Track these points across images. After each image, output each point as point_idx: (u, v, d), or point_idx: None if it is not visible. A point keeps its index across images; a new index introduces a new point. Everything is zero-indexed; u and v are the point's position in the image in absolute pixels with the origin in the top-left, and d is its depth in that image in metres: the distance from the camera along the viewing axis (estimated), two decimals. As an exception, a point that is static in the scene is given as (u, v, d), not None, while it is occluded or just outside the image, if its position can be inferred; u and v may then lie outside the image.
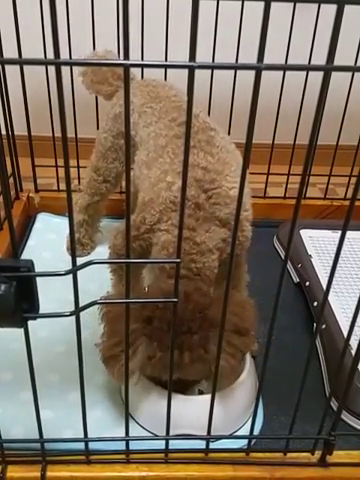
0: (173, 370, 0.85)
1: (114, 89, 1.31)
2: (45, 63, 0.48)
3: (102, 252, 1.46)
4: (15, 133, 1.50)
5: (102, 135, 1.30)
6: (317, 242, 1.47)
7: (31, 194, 1.61)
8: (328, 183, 1.65)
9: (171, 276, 0.89)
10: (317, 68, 0.54)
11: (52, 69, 0.48)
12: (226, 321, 0.70)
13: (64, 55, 0.47)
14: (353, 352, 0.79)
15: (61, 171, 1.57)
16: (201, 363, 0.87)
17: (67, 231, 1.46)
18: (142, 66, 0.50)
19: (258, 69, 0.51)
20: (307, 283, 1.32)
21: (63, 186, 1.75)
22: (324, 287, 1.25)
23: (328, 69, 0.54)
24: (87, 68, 1.30)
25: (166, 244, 0.94)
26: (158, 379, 0.94)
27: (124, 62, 0.47)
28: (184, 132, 1.03)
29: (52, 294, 1.17)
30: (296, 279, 1.38)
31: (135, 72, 1.33)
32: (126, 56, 0.47)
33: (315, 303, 1.24)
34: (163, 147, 1.05)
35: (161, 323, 0.85)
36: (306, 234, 1.49)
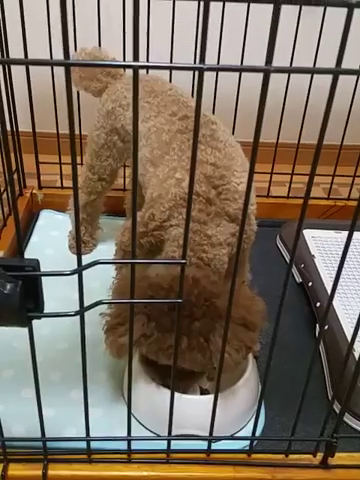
0: (170, 355, 0.83)
1: (103, 85, 1.29)
2: (54, 64, 0.47)
3: (104, 250, 1.46)
4: (19, 129, 1.50)
5: (94, 133, 1.28)
6: (320, 242, 1.47)
7: (34, 191, 1.61)
8: (332, 183, 1.65)
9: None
10: (326, 71, 0.54)
11: (58, 67, 0.47)
12: (234, 313, 0.69)
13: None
14: (356, 355, 0.79)
15: (65, 168, 1.56)
16: (200, 352, 0.84)
17: (70, 228, 1.47)
18: (151, 68, 0.50)
19: (267, 71, 0.51)
20: (310, 283, 1.32)
21: (66, 183, 1.76)
22: (327, 288, 1.27)
23: (337, 72, 0.53)
24: None
25: (177, 237, 0.95)
26: (160, 380, 0.93)
27: (133, 64, 0.47)
28: (186, 126, 1.04)
29: (54, 292, 1.16)
30: (299, 279, 1.38)
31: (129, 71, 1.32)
32: (136, 58, 0.46)
33: (318, 304, 1.24)
34: (168, 143, 1.04)
35: (162, 304, 0.84)
36: (309, 234, 1.49)
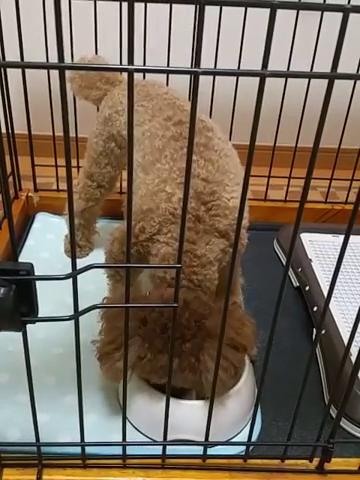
0: (162, 375, 0.86)
1: (103, 93, 1.28)
2: (48, 67, 0.47)
3: (101, 254, 1.45)
4: (15, 131, 1.50)
5: (93, 140, 1.28)
6: (317, 246, 1.46)
7: (30, 193, 1.61)
8: (329, 187, 1.65)
9: (171, 286, 0.89)
10: (321, 76, 0.54)
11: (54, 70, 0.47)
12: (220, 329, 0.70)
13: (66, 58, 0.46)
14: (353, 359, 0.79)
15: (61, 170, 1.56)
16: (191, 372, 0.86)
17: (66, 231, 1.46)
18: (146, 71, 0.50)
19: (262, 76, 0.51)
20: (307, 287, 1.31)
21: (62, 186, 1.75)
22: (324, 292, 1.26)
23: (332, 77, 0.53)
24: (75, 73, 1.28)
25: (167, 256, 0.95)
26: (156, 383, 0.93)
27: (128, 67, 0.46)
28: (181, 133, 1.03)
29: (49, 295, 1.15)
30: (296, 283, 1.37)
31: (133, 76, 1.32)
32: (130, 61, 0.46)
33: (315, 308, 1.24)
34: (160, 150, 1.03)
35: (155, 325, 0.86)
36: (306, 238, 1.49)
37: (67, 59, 0.46)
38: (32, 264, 0.60)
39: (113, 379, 0.93)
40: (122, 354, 0.75)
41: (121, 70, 0.47)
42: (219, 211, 0.95)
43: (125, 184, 1.58)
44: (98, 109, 1.46)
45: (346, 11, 0.50)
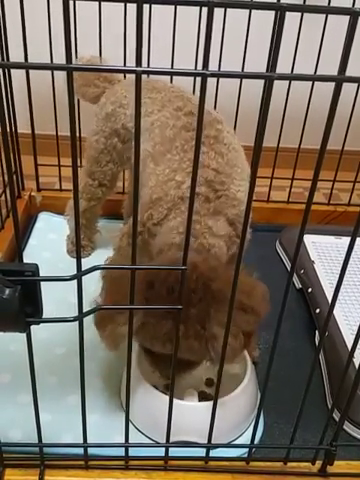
0: (165, 341, 0.81)
1: (101, 91, 1.28)
2: (56, 68, 0.47)
3: (103, 253, 1.45)
4: (18, 131, 1.50)
5: (93, 138, 1.27)
6: (320, 248, 1.46)
7: (33, 193, 1.61)
8: (332, 188, 1.65)
9: (181, 249, 0.85)
10: (329, 79, 0.54)
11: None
12: (230, 297, 0.68)
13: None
14: (357, 362, 0.79)
15: (63, 170, 1.56)
16: (197, 340, 0.81)
17: (68, 231, 1.46)
18: (154, 73, 0.49)
19: (270, 79, 0.51)
20: (309, 289, 1.31)
21: (65, 185, 1.74)
22: (327, 294, 1.26)
23: (340, 80, 0.53)
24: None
25: (175, 226, 0.93)
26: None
27: (136, 69, 0.46)
28: (192, 123, 1.03)
29: (52, 295, 1.14)
30: (298, 285, 1.37)
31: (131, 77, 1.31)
32: (138, 63, 0.46)
33: (317, 310, 1.24)
34: (171, 140, 1.03)
35: (161, 287, 0.81)
36: (309, 240, 1.48)
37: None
38: (37, 265, 0.60)
39: (112, 346, 0.88)
40: (126, 317, 0.69)
41: (129, 72, 0.47)
42: (228, 201, 0.96)
43: (126, 184, 1.58)
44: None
45: (354, 14, 0.50)
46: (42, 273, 0.60)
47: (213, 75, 0.48)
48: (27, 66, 0.67)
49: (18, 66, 0.58)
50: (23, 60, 1.38)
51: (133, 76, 0.47)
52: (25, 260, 0.61)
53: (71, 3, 1.29)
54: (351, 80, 0.54)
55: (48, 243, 1.48)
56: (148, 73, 0.48)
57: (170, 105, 1.10)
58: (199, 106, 0.50)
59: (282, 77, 0.51)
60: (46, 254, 1.43)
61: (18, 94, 1.46)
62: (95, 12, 1.37)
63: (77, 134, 1.47)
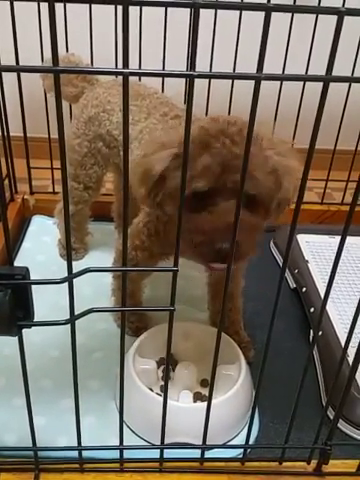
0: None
1: (79, 90, 1.27)
2: (43, 71, 0.47)
3: (96, 256, 1.46)
4: (10, 134, 1.49)
5: (75, 141, 1.24)
6: (314, 247, 1.46)
7: (26, 196, 1.60)
8: (325, 188, 1.65)
9: None
10: (316, 79, 0.54)
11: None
12: None
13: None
14: (350, 360, 0.79)
15: (56, 173, 1.55)
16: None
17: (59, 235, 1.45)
18: (142, 75, 0.49)
19: (258, 79, 0.51)
20: (304, 289, 1.31)
21: (58, 188, 1.73)
22: (321, 293, 1.26)
23: (327, 80, 0.53)
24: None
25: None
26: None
27: (124, 70, 0.46)
28: (180, 123, 1.03)
29: (45, 298, 1.16)
30: (293, 284, 1.37)
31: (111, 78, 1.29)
32: (125, 64, 0.46)
33: (312, 309, 1.24)
34: None
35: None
36: (303, 239, 1.48)
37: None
38: (27, 268, 0.60)
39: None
40: None
41: (116, 74, 0.47)
42: None
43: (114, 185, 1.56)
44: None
45: (341, 14, 0.50)
46: (36, 276, 0.60)
47: (200, 76, 0.48)
48: (16, 69, 0.67)
49: (6, 69, 0.58)
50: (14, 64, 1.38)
51: (119, 78, 0.47)
52: (19, 263, 0.61)
53: (61, 6, 1.30)
54: (338, 80, 0.54)
55: (42, 246, 1.48)
56: (135, 75, 0.48)
57: (156, 112, 1.10)
58: (187, 108, 0.50)
59: (269, 77, 0.51)
60: (40, 257, 1.43)
61: (10, 97, 1.46)
62: (85, 13, 1.37)
63: (66, 136, 1.48)
